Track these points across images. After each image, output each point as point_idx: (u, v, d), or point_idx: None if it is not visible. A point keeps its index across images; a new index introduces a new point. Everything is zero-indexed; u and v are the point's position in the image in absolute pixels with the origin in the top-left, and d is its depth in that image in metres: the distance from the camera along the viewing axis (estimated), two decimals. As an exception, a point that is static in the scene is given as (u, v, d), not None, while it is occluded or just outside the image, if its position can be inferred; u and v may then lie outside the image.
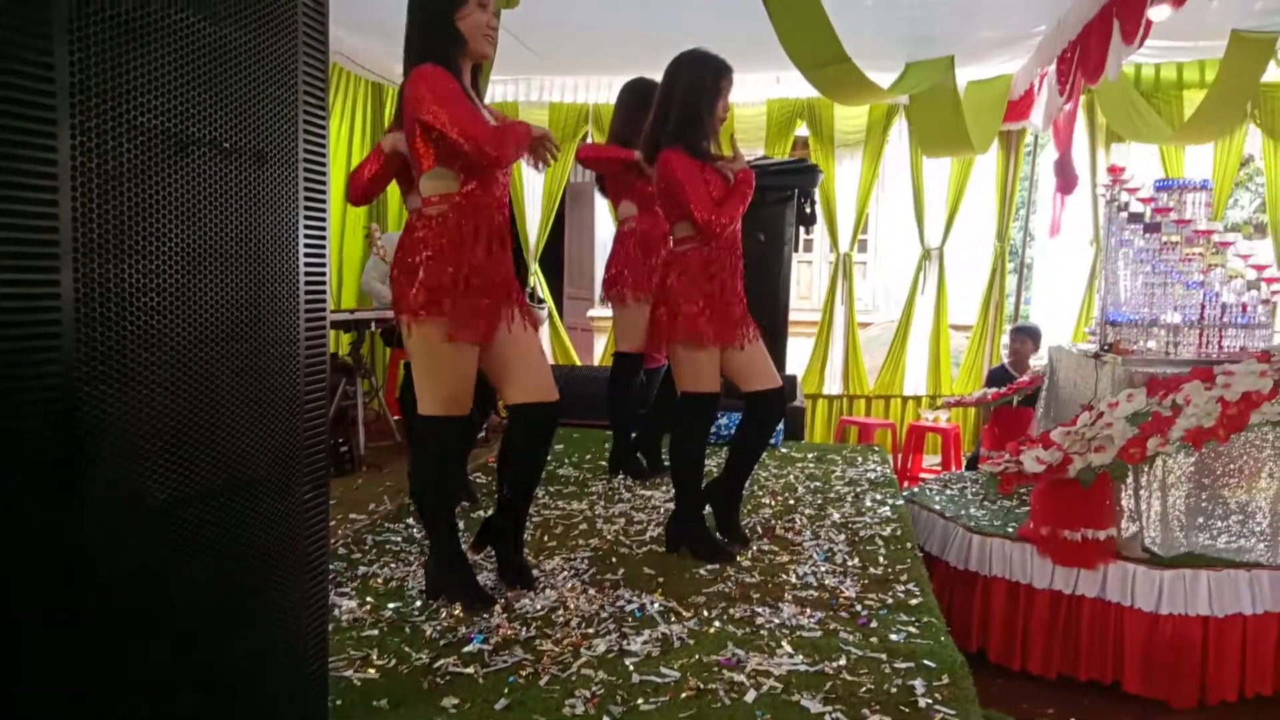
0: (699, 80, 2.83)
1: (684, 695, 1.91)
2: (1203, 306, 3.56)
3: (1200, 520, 3.11)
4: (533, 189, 6.60)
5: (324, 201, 1.26)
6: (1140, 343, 3.68)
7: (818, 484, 3.90)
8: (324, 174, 1.25)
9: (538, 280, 6.71)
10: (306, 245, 1.22)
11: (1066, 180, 6.05)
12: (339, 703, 1.85)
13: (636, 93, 3.78)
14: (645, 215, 3.78)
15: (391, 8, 5.05)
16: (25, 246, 0.84)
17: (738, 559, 2.83)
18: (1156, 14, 3.71)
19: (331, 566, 2.67)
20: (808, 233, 6.28)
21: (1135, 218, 3.69)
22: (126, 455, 0.96)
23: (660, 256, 3.52)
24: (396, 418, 4.88)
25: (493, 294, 2.37)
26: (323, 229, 1.25)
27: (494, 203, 2.40)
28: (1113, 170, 3.87)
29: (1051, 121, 5.71)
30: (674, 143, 2.79)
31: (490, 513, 2.63)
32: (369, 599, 2.44)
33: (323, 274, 1.27)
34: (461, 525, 2.57)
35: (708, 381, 2.84)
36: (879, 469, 4.24)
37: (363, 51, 5.49)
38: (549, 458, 4.32)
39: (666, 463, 4.04)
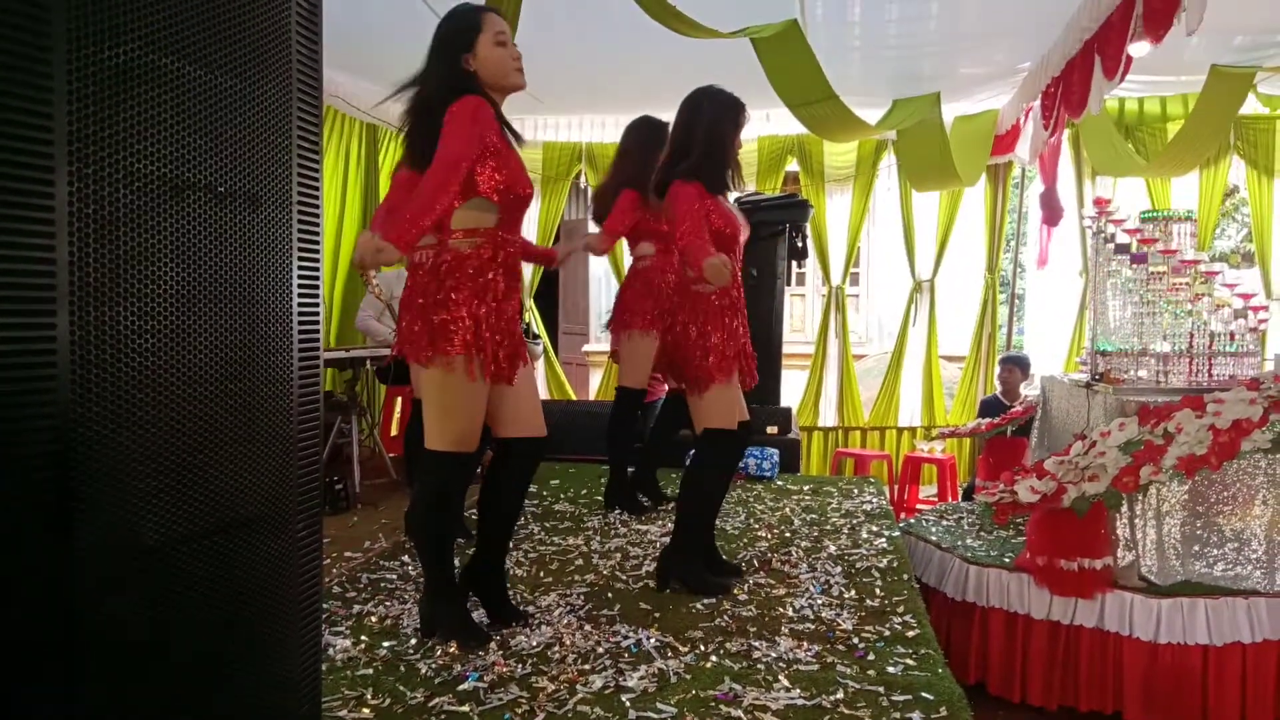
0: (721, 115, 2.86)
1: (680, 732, 1.90)
2: (1191, 335, 3.60)
3: (1196, 548, 3.11)
4: (527, 225, 6.65)
5: (317, 243, 1.28)
6: (1131, 372, 3.70)
7: (814, 516, 3.90)
8: (317, 216, 1.27)
9: (533, 316, 6.75)
10: (300, 285, 1.24)
11: (1052, 212, 6.13)
12: (333, 744, 1.84)
13: (649, 130, 3.82)
14: (662, 255, 3.81)
15: (385, 50, 5.13)
16: (22, 290, 0.85)
17: (734, 592, 2.82)
18: (1136, 50, 3.79)
19: (326, 606, 2.66)
20: (799, 266, 6.34)
21: (1122, 249, 3.74)
22: (121, 496, 0.97)
23: (667, 294, 3.54)
24: (392, 455, 4.87)
25: (513, 331, 2.38)
26: (316, 270, 1.27)
27: (517, 239, 2.42)
28: (1098, 202, 3.92)
29: (1037, 155, 5.79)
30: (692, 177, 2.80)
31: (470, 554, 2.61)
32: (364, 638, 2.43)
33: (316, 314, 1.29)
34: (456, 562, 2.57)
35: (732, 417, 2.85)
36: (875, 500, 4.24)
37: (357, 93, 5.56)
38: (545, 493, 4.33)
39: (659, 495, 4.05)
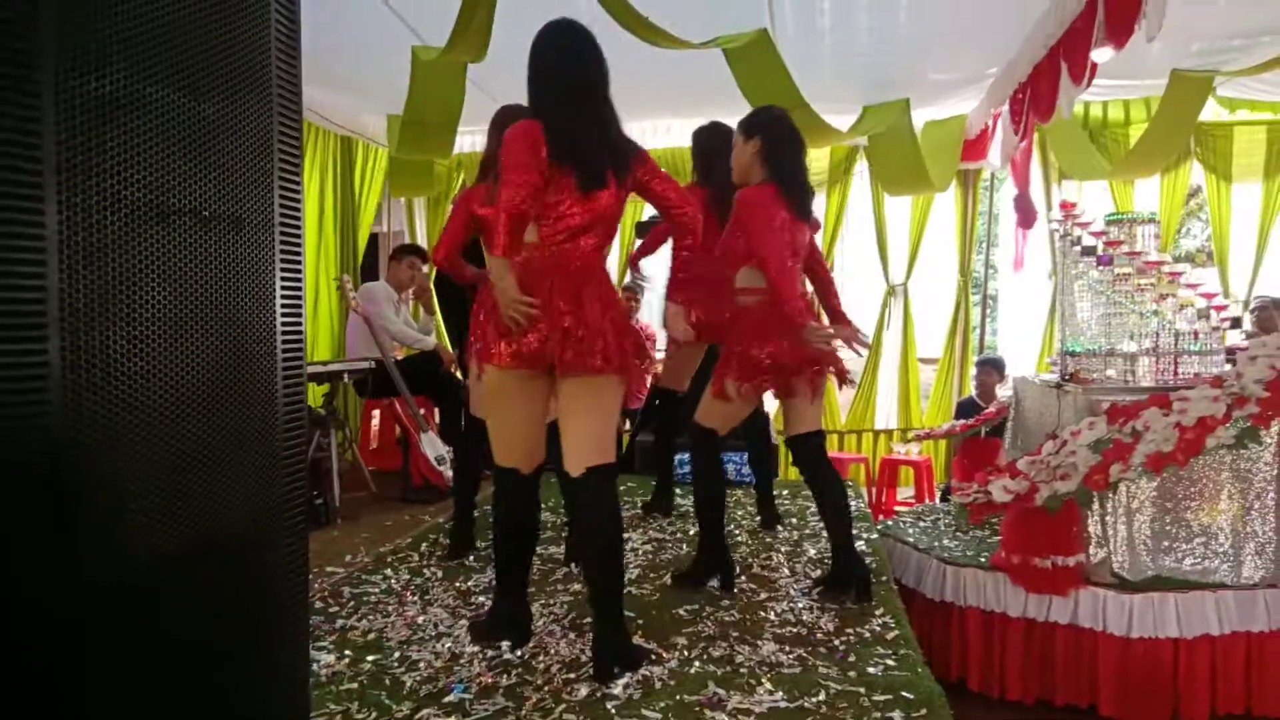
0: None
1: (665, 736, 1.93)
2: (1157, 335, 3.68)
3: (1165, 544, 3.18)
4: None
5: (299, 262, 1.30)
6: (1100, 372, 3.78)
7: (793, 520, 3.94)
8: (299, 236, 1.29)
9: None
10: (283, 305, 1.26)
11: (1026, 215, 6.23)
12: (320, 758, 1.85)
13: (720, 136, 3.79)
14: None
15: (362, 67, 5.12)
16: (14, 318, 0.87)
17: (717, 598, 2.85)
18: (1099, 55, 3.87)
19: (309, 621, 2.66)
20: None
21: (1088, 251, 3.82)
22: (114, 516, 0.99)
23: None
24: (371, 469, 4.87)
25: None
26: (299, 289, 1.29)
27: None
28: (1065, 206, 4.00)
29: (1009, 159, 5.88)
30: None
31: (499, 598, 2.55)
32: (348, 652, 2.44)
33: (299, 332, 1.30)
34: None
35: None
36: (853, 503, 4.27)
37: (332, 107, 5.56)
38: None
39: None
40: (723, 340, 3.04)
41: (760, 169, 2.87)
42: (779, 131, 2.91)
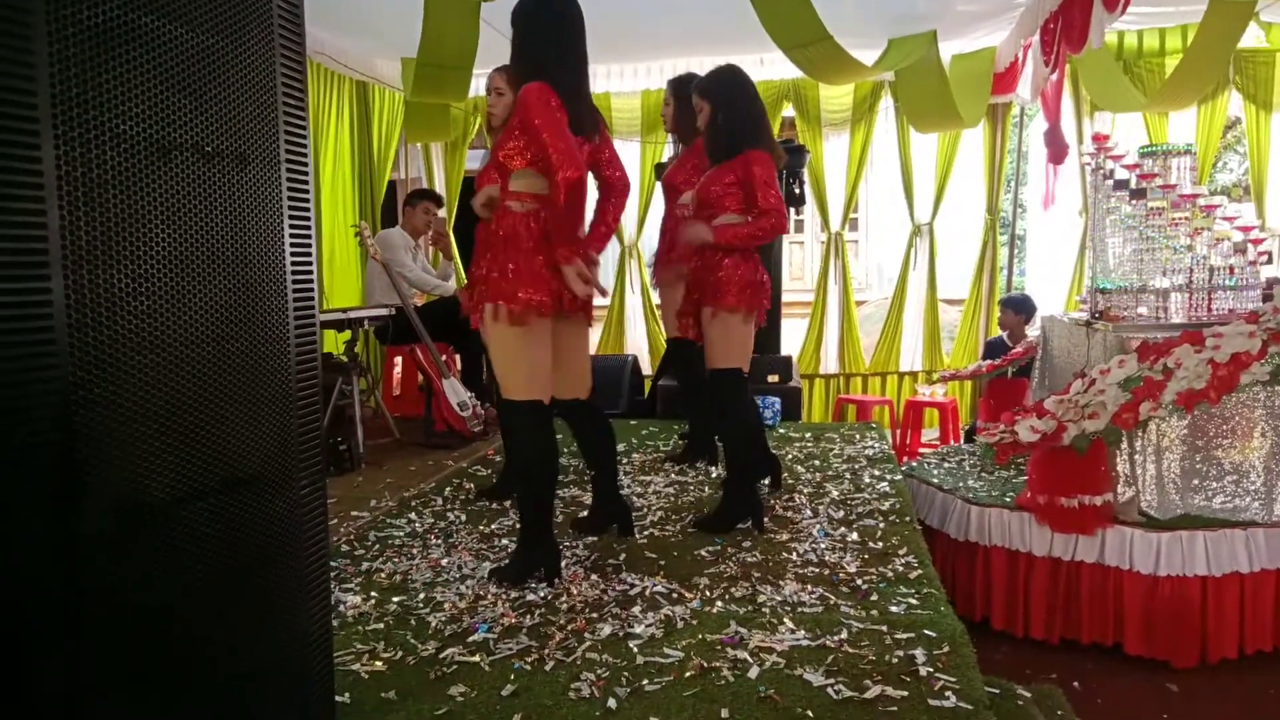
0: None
1: (688, 674, 1.94)
2: (1191, 270, 3.58)
3: (1195, 482, 3.13)
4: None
5: (307, 201, 1.27)
6: (1131, 309, 3.70)
7: (816, 462, 3.93)
8: (306, 174, 1.26)
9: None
10: (292, 244, 1.23)
11: (1057, 150, 6.06)
12: (348, 696, 1.88)
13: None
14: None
15: (374, 9, 5.04)
16: (16, 256, 0.85)
17: (739, 540, 2.85)
18: (1135, -21, 3.72)
19: (335, 563, 2.70)
20: (798, 213, 6.28)
21: (1121, 185, 3.71)
22: (122, 457, 0.98)
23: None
24: (394, 415, 4.90)
25: None
26: (308, 227, 1.27)
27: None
28: (1097, 138, 3.88)
29: (1039, 92, 5.71)
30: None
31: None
32: (373, 593, 2.47)
33: (310, 272, 1.28)
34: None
35: None
36: (877, 445, 4.27)
37: (347, 51, 5.48)
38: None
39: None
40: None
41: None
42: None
